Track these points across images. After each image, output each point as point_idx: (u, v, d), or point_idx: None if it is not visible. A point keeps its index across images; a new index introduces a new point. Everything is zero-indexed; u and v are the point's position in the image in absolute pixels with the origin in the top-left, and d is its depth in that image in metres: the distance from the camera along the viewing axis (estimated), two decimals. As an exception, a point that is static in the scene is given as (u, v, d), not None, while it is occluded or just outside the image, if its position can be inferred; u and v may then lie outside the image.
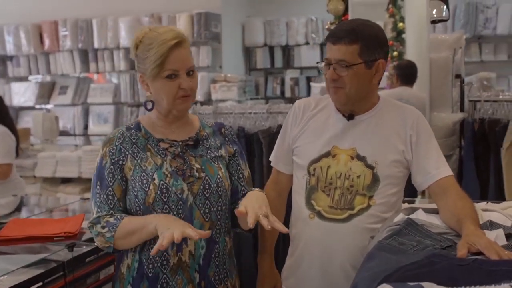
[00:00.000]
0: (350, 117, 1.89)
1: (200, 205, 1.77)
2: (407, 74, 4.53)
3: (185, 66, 1.74)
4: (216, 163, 1.85)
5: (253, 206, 1.65)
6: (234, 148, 1.93)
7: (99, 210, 1.75)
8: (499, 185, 3.30)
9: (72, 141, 7.29)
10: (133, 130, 1.83)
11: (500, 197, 3.19)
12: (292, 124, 1.99)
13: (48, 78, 7.71)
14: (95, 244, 1.80)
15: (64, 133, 7.11)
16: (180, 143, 1.83)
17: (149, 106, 1.82)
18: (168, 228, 1.56)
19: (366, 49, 1.78)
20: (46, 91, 7.49)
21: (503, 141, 3.27)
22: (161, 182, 1.74)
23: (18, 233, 2.24)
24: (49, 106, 7.44)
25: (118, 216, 1.73)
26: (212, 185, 1.79)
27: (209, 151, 1.86)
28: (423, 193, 3.87)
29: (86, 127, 7.33)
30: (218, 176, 1.82)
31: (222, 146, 1.90)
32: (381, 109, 1.91)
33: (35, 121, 6.12)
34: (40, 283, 1.91)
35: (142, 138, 1.82)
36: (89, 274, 2.17)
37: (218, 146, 1.89)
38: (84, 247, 2.18)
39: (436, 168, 1.82)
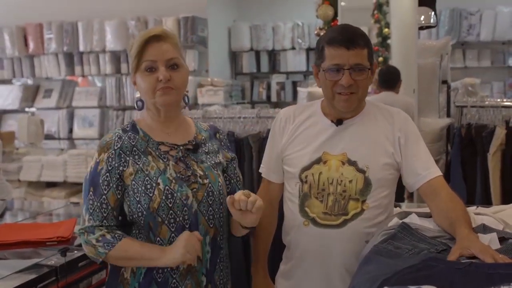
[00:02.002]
0: (339, 122, 1.90)
1: (204, 211, 1.77)
2: (386, 79, 4.58)
3: (163, 57, 1.73)
4: (216, 170, 1.85)
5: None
6: (231, 155, 1.94)
7: (91, 217, 1.72)
8: (486, 190, 3.34)
9: (56, 145, 7.20)
10: (130, 133, 1.80)
11: (486, 201, 3.23)
12: (279, 133, 2.00)
13: (32, 81, 7.63)
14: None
15: (48, 136, 7.01)
16: (180, 147, 1.82)
17: (140, 105, 1.81)
18: (183, 254, 1.64)
19: (371, 52, 1.85)
20: (30, 94, 7.40)
21: (490, 146, 3.32)
22: (166, 187, 1.72)
23: (10, 238, 2.22)
24: (33, 110, 7.36)
25: (116, 235, 1.71)
26: (215, 192, 1.80)
27: (208, 156, 1.86)
28: (410, 198, 3.91)
29: (71, 130, 7.23)
30: (219, 184, 1.83)
31: (220, 151, 1.91)
32: (368, 113, 1.93)
33: (20, 124, 6.06)
34: (33, 288, 1.90)
35: (141, 140, 1.79)
36: (81, 279, 2.15)
37: (216, 151, 1.89)
38: (76, 252, 2.16)
39: (425, 169, 1.84)
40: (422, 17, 3.65)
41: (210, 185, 1.79)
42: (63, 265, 2.04)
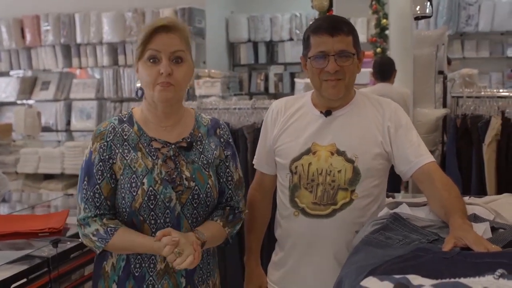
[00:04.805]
0: (327, 113, 1.91)
1: (188, 214, 1.75)
2: (381, 70, 4.59)
3: (169, 49, 1.69)
4: (207, 170, 1.79)
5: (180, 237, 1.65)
6: (227, 153, 1.86)
7: (86, 207, 1.73)
8: (481, 180, 3.33)
9: (54, 137, 7.22)
10: (125, 124, 1.78)
11: (482, 191, 3.23)
12: (271, 125, 2.00)
13: (29, 73, 7.62)
14: (80, 240, 1.81)
15: (46, 129, 7.02)
16: (173, 145, 1.77)
17: (140, 93, 1.79)
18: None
19: (357, 40, 1.87)
20: (28, 87, 7.40)
21: (485, 137, 3.31)
22: (150, 188, 1.70)
23: (2, 229, 2.22)
24: (31, 102, 7.35)
25: (109, 229, 1.70)
26: (201, 195, 1.76)
27: (202, 156, 1.80)
28: (406, 188, 3.91)
29: (68, 122, 7.24)
30: (208, 186, 1.78)
31: (218, 148, 1.85)
32: (358, 103, 1.93)
33: (17, 116, 6.06)
34: (25, 279, 1.90)
35: (135, 134, 1.76)
36: (73, 270, 2.16)
37: (212, 149, 1.83)
38: (69, 243, 2.17)
39: (417, 156, 1.83)
40: (418, 7, 3.64)
41: (196, 187, 1.75)
42: (55, 256, 2.04)
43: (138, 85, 1.80)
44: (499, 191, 3.15)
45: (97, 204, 1.72)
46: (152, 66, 1.70)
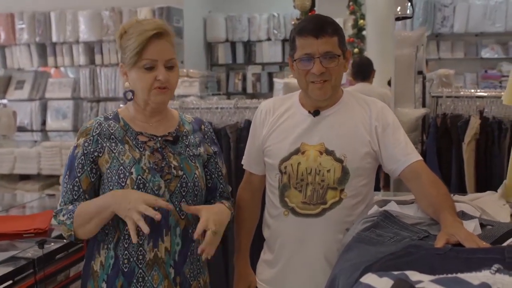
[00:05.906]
0: (316, 113, 1.92)
1: (176, 202, 1.77)
2: (360, 71, 4.65)
3: (164, 57, 1.73)
4: (194, 162, 1.84)
5: (209, 218, 1.69)
6: (214, 149, 1.93)
7: (62, 200, 1.76)
8: (461, 178, 3.38)
9: (29, 137, 7.10)
10: (111, 121, 1.81)
11: (461, 189, 3.27)
12: (260, 126, 2.01)
13: (3, 72, 7.48)
14: (65, 240, 1.81)
15: (21, 128, 6.88)
16: (159, 138, 1.81)
17: (129, 96, 1.80)
18: (128, 209, 1.60)
19: (342, 40, 1.87)
20: (2, 86, 7.25)
21: (465, 136, 3.36)
22: (139, 176, 1.72)
23: (-15, 231, 2.18)
24: (4, 101, 7.22)
25: (77, 203, 1.73)
26: (189, 184, 1.79)
27: (188, 149, 1.85)
28: (385, 187, 3.95)
29: (44, 122, 7.12)
30: (195, 175, 1.82)
31: (201, 144, 1.90)
32: (345, 103, 1.95)
33: (-8, 116, 5.93)
34: (10, 281, 1.88)
35: (121, 129, 1.80)
36: (59, 271, 2.13)
37: (197, 144, 1.88)
38: (53, 244, 2.14)
39: (405, 154, 1.86)
40: (399, 8, 3.68)
41: (184, 176, 1.79)
42: (40, 257, 2.02)
43: (127, 84, 1.80)
44: (478, 189, 3.20)
45: (75, 197, 1.74)
46: (147, 73, 1.73)
